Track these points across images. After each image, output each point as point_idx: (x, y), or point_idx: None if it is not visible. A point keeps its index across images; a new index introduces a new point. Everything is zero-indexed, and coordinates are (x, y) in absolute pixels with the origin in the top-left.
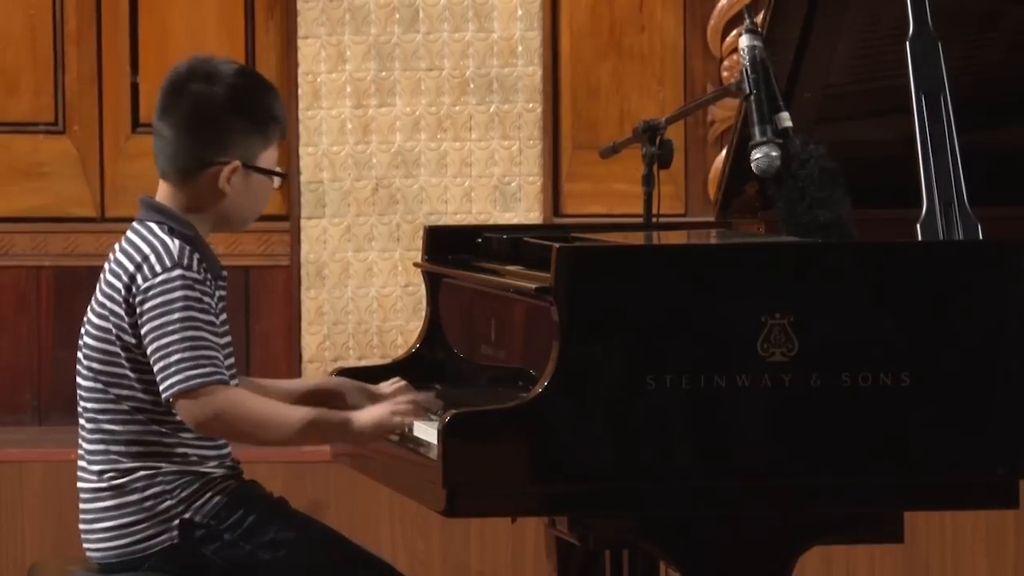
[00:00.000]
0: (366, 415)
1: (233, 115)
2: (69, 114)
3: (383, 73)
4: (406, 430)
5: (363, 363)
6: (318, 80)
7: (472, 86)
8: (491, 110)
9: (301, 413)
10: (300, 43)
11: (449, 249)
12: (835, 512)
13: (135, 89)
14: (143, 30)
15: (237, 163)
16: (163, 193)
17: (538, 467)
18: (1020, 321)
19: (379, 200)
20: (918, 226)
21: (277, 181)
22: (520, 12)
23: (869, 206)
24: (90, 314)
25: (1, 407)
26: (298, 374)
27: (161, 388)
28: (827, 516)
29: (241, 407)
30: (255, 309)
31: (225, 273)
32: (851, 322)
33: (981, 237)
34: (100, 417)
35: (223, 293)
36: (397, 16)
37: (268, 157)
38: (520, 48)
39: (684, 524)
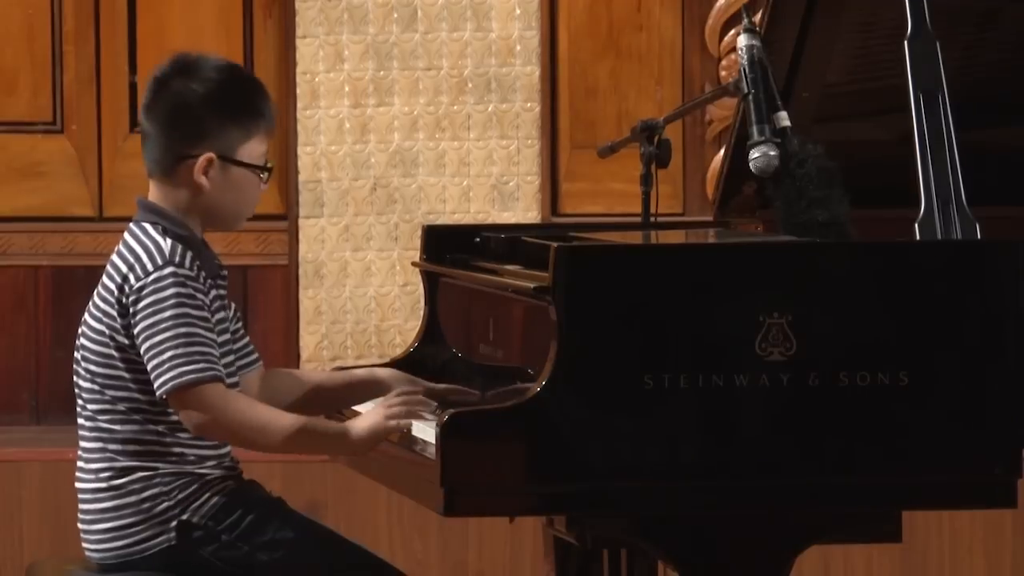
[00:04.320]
0: (361, 423)
1: (208, 108)
2: (67, 114)
3: (381, 72)
4: (404, 431)
5: (361, 363)
6: (316, 79)
7: (470, 85)
8: (489, 109)
9: (290, 420)
10: (298, 42)
11: (447, 248)
12: (833, 512)
13: (133, 89)
14: (141, 30)
15: (210, 155)
16: (153, 193)
17: (536, 467)
18: (1018, 321)
19: (377, 199)
20: (916, 226)
21: (265, 177)
22: (518, 11)
23: (867, 206)
24: (87, 316)
25: None
26: None
27: (156, 386)
28: (825, 516)
29: (235, 411)
30: (253, 308)
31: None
32: (849, 322)
33: (979, 237)
34: (99, 416)
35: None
36: (395, 16)
37: (250, 151)
38: (518, 47)
39: (682, 524)
